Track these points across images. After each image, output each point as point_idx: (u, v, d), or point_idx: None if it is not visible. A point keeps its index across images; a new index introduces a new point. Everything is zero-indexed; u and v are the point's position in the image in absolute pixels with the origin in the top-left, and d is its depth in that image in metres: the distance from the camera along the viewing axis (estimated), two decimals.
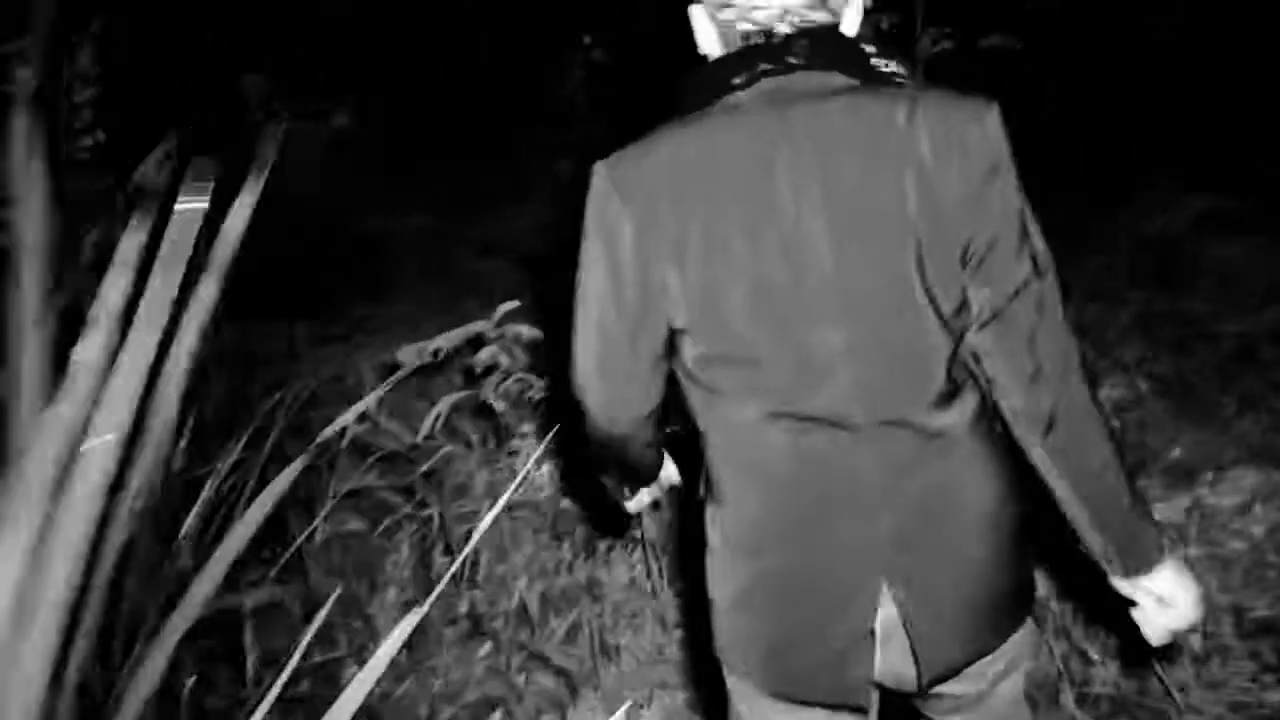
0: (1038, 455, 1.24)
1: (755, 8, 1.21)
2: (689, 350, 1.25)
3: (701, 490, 1.36)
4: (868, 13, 1.30)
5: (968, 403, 1.25)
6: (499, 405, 2.83)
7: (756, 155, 1.18)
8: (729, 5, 1.23)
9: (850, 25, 1.27)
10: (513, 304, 2.82)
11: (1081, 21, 5.12)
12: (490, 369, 2.85)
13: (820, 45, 1.21)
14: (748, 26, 1.22)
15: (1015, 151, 1.20)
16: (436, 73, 7.66)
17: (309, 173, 6.50)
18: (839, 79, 1.21)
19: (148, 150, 6.43)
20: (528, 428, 2.95)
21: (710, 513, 1.34)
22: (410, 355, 2.70)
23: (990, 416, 1.27)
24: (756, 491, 1.28)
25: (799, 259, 1.18)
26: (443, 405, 2.75)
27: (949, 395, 1.23)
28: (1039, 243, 1.21)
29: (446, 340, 2.71)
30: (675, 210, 1.19)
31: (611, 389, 1.29)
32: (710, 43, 1.28)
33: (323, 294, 6.22)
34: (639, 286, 1.22)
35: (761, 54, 1.21)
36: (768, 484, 1.26)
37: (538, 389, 2.95)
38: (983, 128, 1.17)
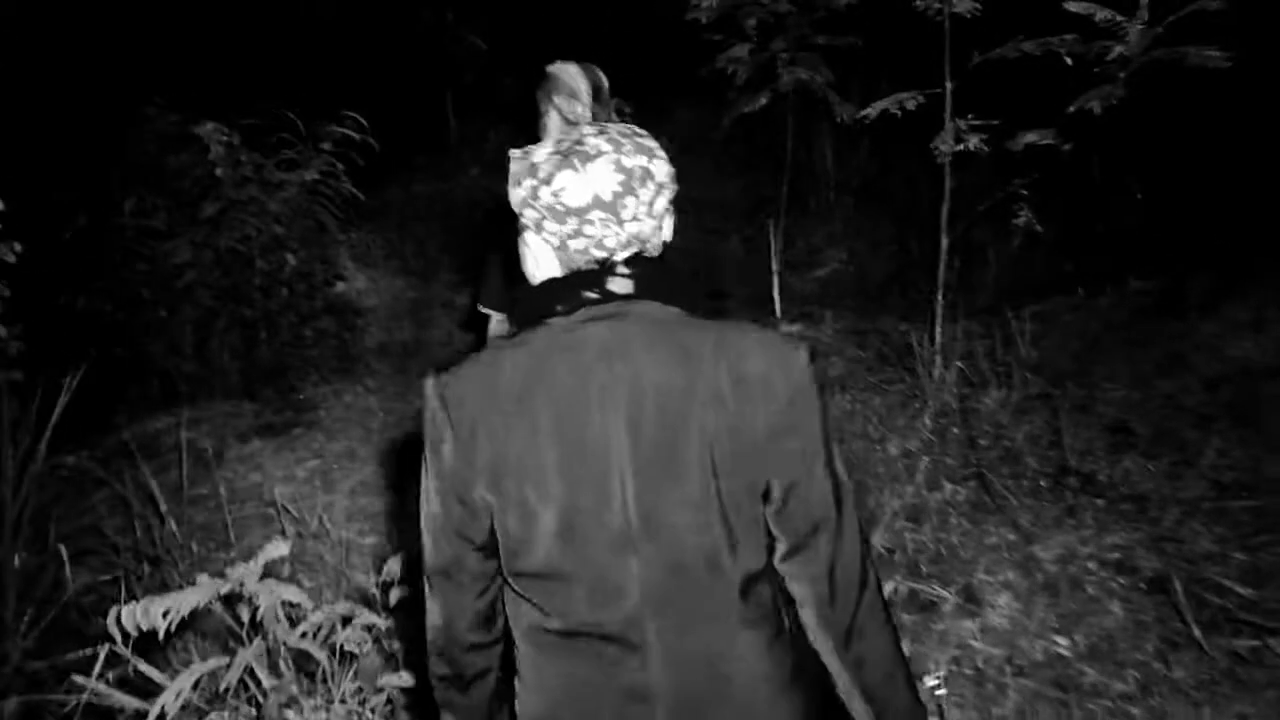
0: (834, 666, 1.35)
1: (606, 236, 1.29)
2: (505, 561, 1.33)
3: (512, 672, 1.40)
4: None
5: (760, 623, 1.32)
6: (268, 680, 2.07)
7: (572, 384, 1.25)
8: (580, 235, 1.29)
9: (665, 236, 1.37)
10: (282, 547, 2.05)
11: (1147, 123, 4.19)
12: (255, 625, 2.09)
13: (640, 274, 1.29)
14: (598, 254, 1.31)
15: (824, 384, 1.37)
16: (428, 107, 7.00)
17: (275, 230, 5.84)
18: (657, 308, 1.29)
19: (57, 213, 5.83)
20: (315, 703, 2.17)
21: (518, 690, 1.39)
22: (131, 619, 1.95)
23: (780, 624, 1.35)
24: (551, 696, 1.34)
25: (604, 487, 1.26)
26: (185, 680, 1.99)
27: (740, 612, 1.30)
28: (841, 476, 1.32)
29: (180, 603, 1.95)
30: (493, 433, 1.26)
31: (444, 589, 1.36)
32: (541, 265, 1.34)
33: (273, 371, 5.56)
34: (459, 499, 1.30)
35: (586, 281, 1.29)
36: (561, 693, 1.33)
37: (346, 640, 2.17)
38: (785, 370, 1.27)
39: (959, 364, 4.15)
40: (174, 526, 3.70)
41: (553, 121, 2.70)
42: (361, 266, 6.47)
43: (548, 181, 1.28)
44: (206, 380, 5.69)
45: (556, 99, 2.71)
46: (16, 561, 3.15)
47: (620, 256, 1.30)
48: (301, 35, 7.12)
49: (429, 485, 1.31)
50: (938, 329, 4.27)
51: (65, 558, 2.97)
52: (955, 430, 3.94)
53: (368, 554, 3.73)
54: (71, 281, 5.69)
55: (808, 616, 1.33)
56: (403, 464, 4.47)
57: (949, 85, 3.94)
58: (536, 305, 1.30)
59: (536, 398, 1.24)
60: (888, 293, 6.13)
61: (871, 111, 4.07)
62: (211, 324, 5.83)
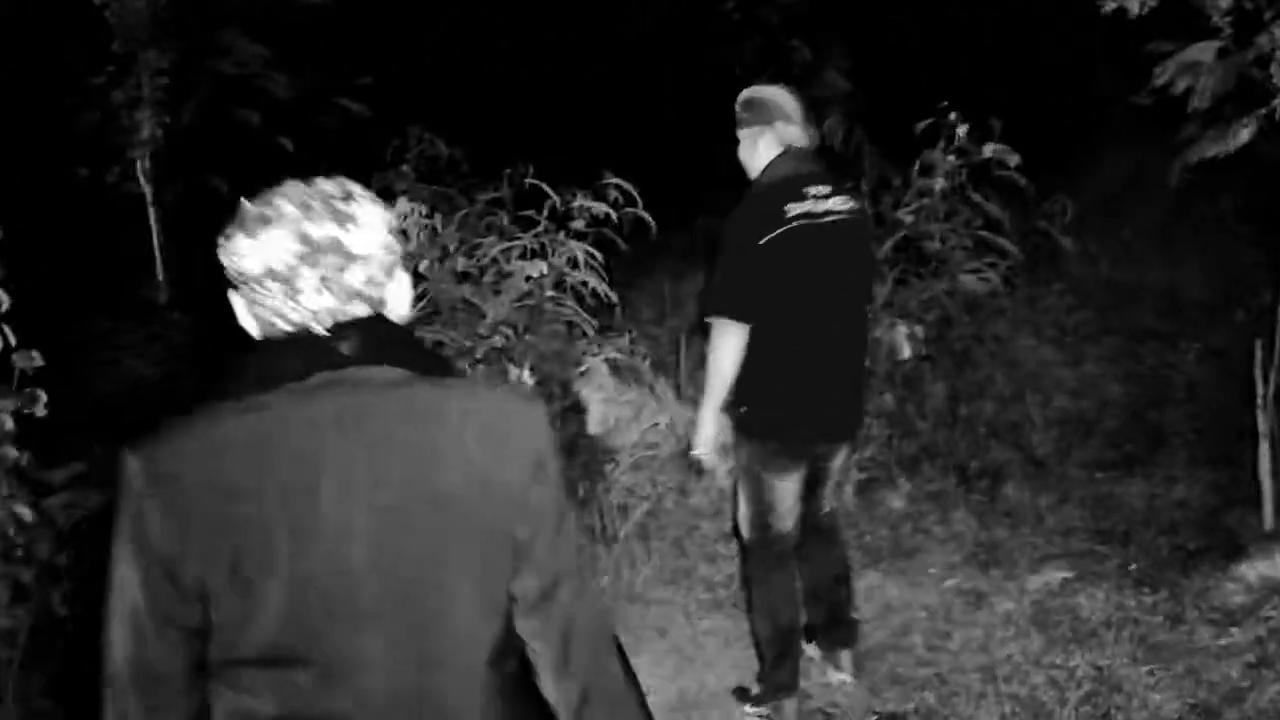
0: None
1: (287, 312, 1.20)
2: (214, 650, 1.18)
3: None
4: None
5: (509, 694, 1.27)
6: None
7: (304, 452, 1.16)
8: (257, 304, 1.21)
9: (401, 305, 1.28)
10: None
11: None
12: None
13: (369, 339, 1.22)
14: (284, 326, 1.21)
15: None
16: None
17: (494, 341, 4.39)
18: (392, 371, 1.22)
19: None
20: None
21: None
22: None
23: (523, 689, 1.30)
24: None
25: (342, 560, 1.16)
26: None
27: (492, 689, 1.25)
28: (576, 537, 1.31)
29: None
30: (213, 505, 1.15)
31: (145, 697, 1.17)
32: (253, 327, 1.26)
33: None
34: (170, 582, 1.14)
35: (311, 346, 1.20)
36: None
37: None
38: (527, 424, 1.24)
39: None
40: None
41: (764, 145, 2.83)
42: (619, 386, 4.81)
43: (229, 239, 1.21)
44: None
45: (778, 123, 2.83)
46: None
47: (317, 329, 1.20)
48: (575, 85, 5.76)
49: (125, 574, 1.14)
50: None
51: None
52: None
53: None
54: None
55: (544, 678, 1.29)
56: None
57: None
58: (257, 368, 1.20)
59: (264, 466, 1.14)
60: None
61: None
62: None
